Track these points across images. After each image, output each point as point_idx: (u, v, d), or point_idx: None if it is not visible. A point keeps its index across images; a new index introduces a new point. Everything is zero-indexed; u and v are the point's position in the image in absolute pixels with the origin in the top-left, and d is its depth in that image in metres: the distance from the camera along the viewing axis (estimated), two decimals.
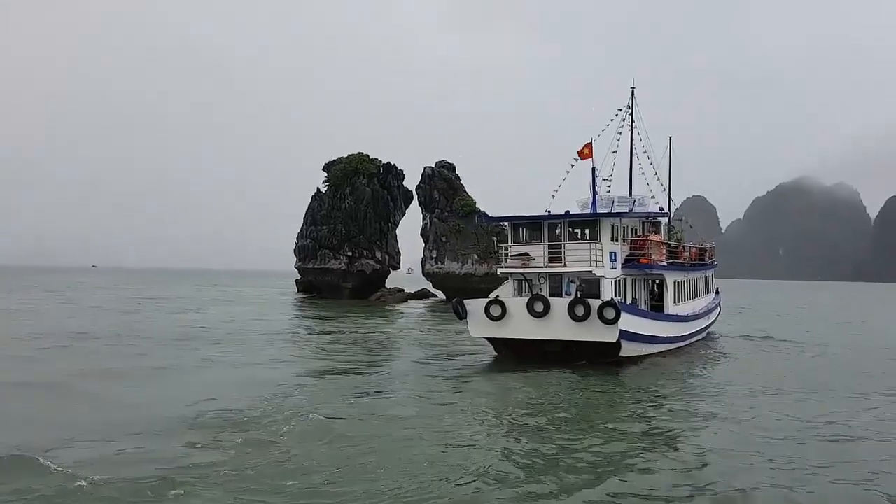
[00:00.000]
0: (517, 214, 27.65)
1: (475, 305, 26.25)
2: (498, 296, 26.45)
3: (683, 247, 34.09)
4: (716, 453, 13.55)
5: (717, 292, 41.74)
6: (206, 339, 32.94)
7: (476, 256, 77.57)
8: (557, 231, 26.97)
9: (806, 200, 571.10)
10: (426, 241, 78.81)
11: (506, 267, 27.15)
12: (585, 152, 29.63)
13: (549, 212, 27.39)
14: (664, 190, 37.59)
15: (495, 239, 78.93)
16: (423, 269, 78.33)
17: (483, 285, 75.20)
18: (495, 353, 27.51)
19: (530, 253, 26.70)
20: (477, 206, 78.01)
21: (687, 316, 31.52)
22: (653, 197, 32.65)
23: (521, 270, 26.69)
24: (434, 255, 78.20)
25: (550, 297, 25.51)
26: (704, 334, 35.82)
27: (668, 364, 26.36)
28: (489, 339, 27.04)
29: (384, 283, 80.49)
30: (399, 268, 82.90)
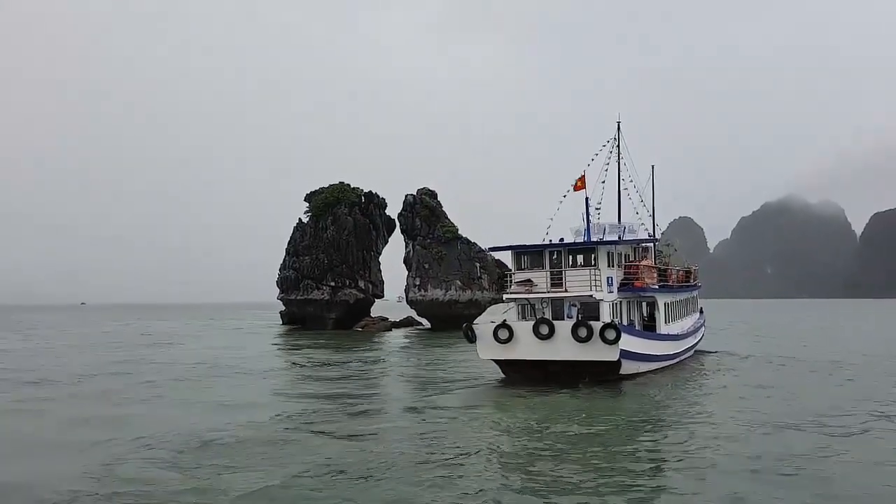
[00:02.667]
0: (520, 244, 30.43)
1: (484, 329, 28.86)
2: (505, 320, 29.08)
3: (671, 270, 37.18)
4: (716, 470, 15.07)
5: (701, 312, 44.99)
6: (170, 375, 33.78)
7: (459, 283, 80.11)
8: (554, 258, 29.86)
9: (792, 219, 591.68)
10: (409, 269, 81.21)
11: (511, 293, 29.85)
12: (579, 184, 32.67)
13: (551, 240, 30.34)
14: (649, 215, 40.94)
15: (478, 265, 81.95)
16: (406, 296, 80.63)
17: (467, 311, 77.91)
18: (495, 376, 30.10)
19: (533, 279, 29.47)
20: (459, 232, 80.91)
21: (677, 335, 34.55)
22: (642, 224, 35.81)
23: (525, 296, 29.43)
24: (417, 283, 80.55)
25: (553, 320, 28.25)
26: (692, 352, 38.85)
27: (664, 381, 29.11)
28: (497, 361, 29.61)
29: (369, 312, 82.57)
30: (383, 296, 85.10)
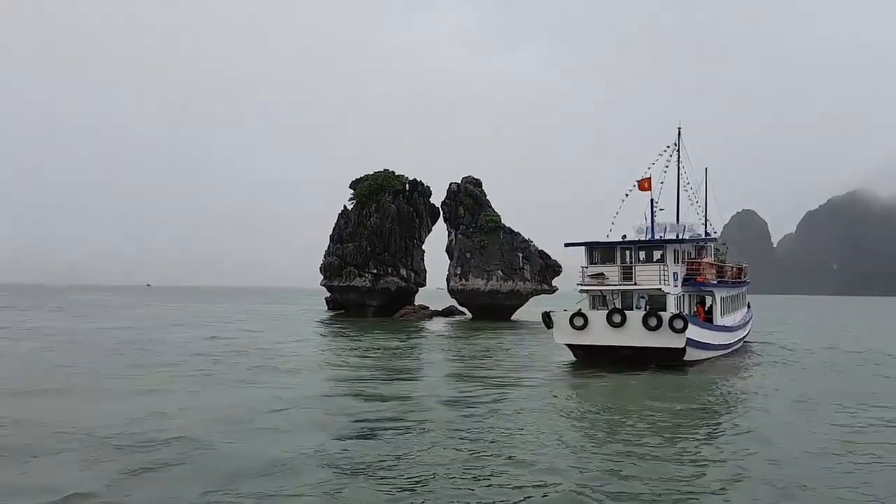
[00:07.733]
0: (593, 241, 35.69)
1: (561, 317, 34.20)
2: (580, 309, 34.34)
3: (727, 267, 42.29)
4: (785, 455, 16.51)
5: (748, 307, 50.15)
6: (194, 362, 34.51)
7: (501, 273, 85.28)
8: (623, 254, 35.09)
9: (860, 213, 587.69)
10: (451, 258, 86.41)
11: (585, 285, 35.12)
12: (645, 185, 37.75)
13: (624, 236, 35.53)
14: (705, 214, 46.11)
15: (520, 255, 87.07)
16: (448, 285, 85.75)
17: (508, 302, 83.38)
18: (555, 360, 35.50)
19: (605, 273, 34.71)
20: (502, 221, 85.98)
21: (731, 326, 39.74)
22: (703, 224, 40.89)
23: (598, 288, 34.72)
24: (458, 272, 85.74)
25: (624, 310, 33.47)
26: (742, 343, 44.02)
27: (722, 366, 34.30)
28: (571, 346, 34.92)
29: (411, 300, 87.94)
30: (425, 285, 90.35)
